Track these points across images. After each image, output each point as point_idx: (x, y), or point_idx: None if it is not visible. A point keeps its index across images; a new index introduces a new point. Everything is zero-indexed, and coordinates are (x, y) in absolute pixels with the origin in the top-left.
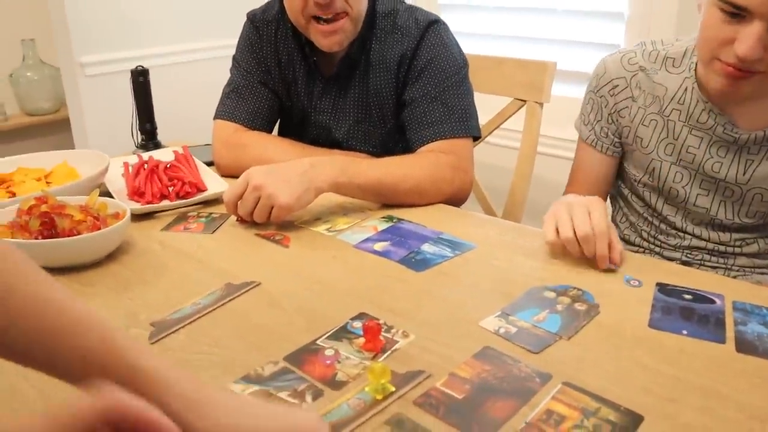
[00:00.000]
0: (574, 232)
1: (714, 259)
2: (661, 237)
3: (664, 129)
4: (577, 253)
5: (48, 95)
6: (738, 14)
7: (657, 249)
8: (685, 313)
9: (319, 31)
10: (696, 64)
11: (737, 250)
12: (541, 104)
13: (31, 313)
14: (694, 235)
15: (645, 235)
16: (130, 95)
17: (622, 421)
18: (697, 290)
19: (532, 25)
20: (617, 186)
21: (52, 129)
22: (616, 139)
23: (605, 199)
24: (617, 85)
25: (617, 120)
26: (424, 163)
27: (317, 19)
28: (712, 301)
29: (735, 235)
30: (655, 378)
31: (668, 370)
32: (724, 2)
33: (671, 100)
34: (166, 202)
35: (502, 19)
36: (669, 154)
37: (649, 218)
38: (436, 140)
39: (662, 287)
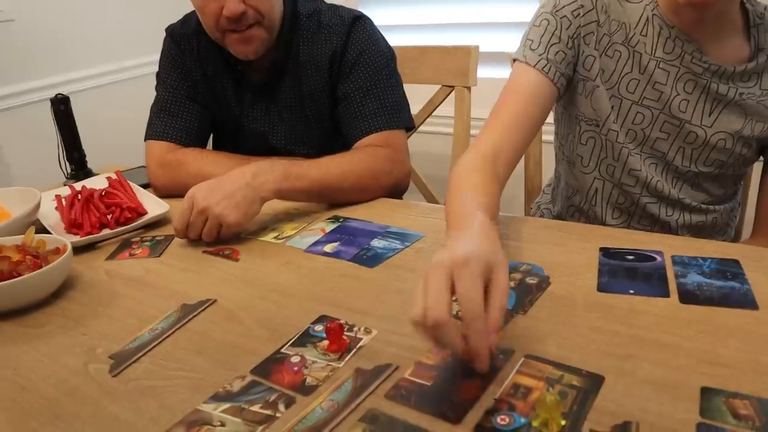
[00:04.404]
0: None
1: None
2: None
3: (629, 61)
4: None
5: None
6: None
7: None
8: (630, 273)
9: (234, 41)
10: None
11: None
12: (469, 88)
13: None
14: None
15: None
16: (53, 125)
17: (585, 384)
18: (638, 250)
19: (451, 12)
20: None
21: None
22: (569, 71)
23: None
24: (582, 5)
25: (579, 46)
26: (362, 159)
27: (231, 30)
28: (653, 258)
29: (683, 193)
30: (610, 339)
31: (622, 330)
32: None
33: (634, 30)
34: (106, 231)
35: (421, 9)
36: (632, 91)
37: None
38: (371, 134)
39: (605, 251)
